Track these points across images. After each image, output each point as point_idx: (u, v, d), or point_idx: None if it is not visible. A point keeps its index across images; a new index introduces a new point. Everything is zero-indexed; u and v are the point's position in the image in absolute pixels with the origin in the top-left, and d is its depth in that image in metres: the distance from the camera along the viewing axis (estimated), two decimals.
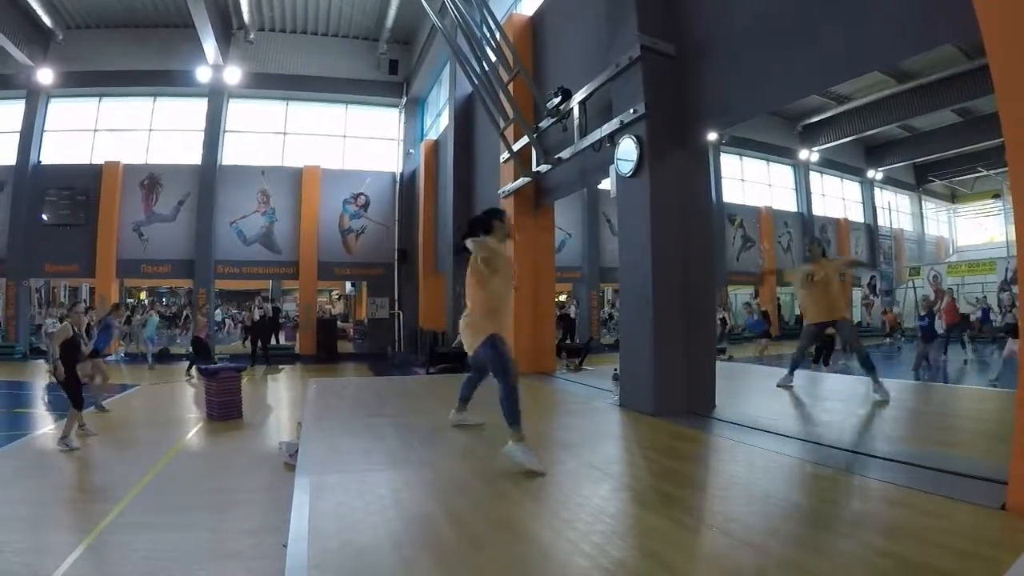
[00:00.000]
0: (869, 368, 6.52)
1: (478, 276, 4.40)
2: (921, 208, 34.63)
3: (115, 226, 20.02)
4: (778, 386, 7.25)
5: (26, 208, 19.68)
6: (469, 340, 4.45)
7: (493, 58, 9.12)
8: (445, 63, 17.65)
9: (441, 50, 17.12)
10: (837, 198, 30.86)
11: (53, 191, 19.93)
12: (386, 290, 22.02)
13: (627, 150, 6.25)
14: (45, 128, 20.64)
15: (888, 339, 22.76)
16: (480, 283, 4.41)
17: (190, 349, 16.11)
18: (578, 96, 7.57)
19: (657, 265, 5.90)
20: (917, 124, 26.42)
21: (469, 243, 4.40)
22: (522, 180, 9.38)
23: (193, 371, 14.65)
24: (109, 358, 12.02)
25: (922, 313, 12.43)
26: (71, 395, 8.01)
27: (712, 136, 6.43)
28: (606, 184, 6.97)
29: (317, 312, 21.88)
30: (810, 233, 26.71)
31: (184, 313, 24.69)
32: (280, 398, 13.48)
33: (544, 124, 8.58)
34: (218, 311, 25.06)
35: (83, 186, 19.95)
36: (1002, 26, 3.00)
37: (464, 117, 15.10)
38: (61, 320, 9.07)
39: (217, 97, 20.86)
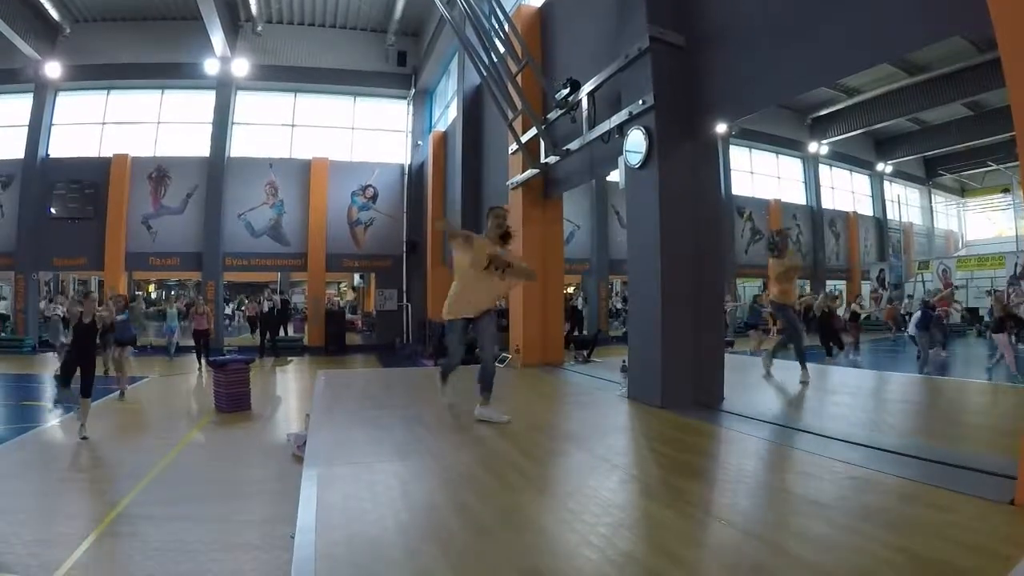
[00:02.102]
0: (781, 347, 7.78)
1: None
2: (931, 202, 34.47)
3: (123, 219, 20.12)
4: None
5: (34, 201, 19.79)
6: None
7: (502, 49, 9.08)
8: (454, 54, 17.61)
9: (450, 41, 17.08)
10: (846, 191, 30.73)
11: (61, 184, 20.02)
12: (394, 282, 22.08)
13: (636, 141, 6.22)
14: (53, 122, 20.72)
15: (889, 333, 22.57)
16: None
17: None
18: (587, 87, 7.53)
19: (666, 257, 5.87)
20: (927, 117, 26.28)
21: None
22: (530, 172, 9.36)
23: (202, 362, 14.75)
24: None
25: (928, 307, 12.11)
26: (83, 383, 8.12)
27: (721, 128, 6.38)
28: (615, 176, 6.95)
29: (326, 304, 21.91)
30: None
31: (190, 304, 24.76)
32: (288, 390, 13.54)
33: (553, 115, 8.54)
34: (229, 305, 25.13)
35: (91, 179, 20.02)
36: (1013, 18, 2.96)
37: (473, 108, 15.07)
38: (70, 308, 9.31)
39: (225, 89, 20.89)
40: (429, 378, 8.50)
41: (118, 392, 11.04)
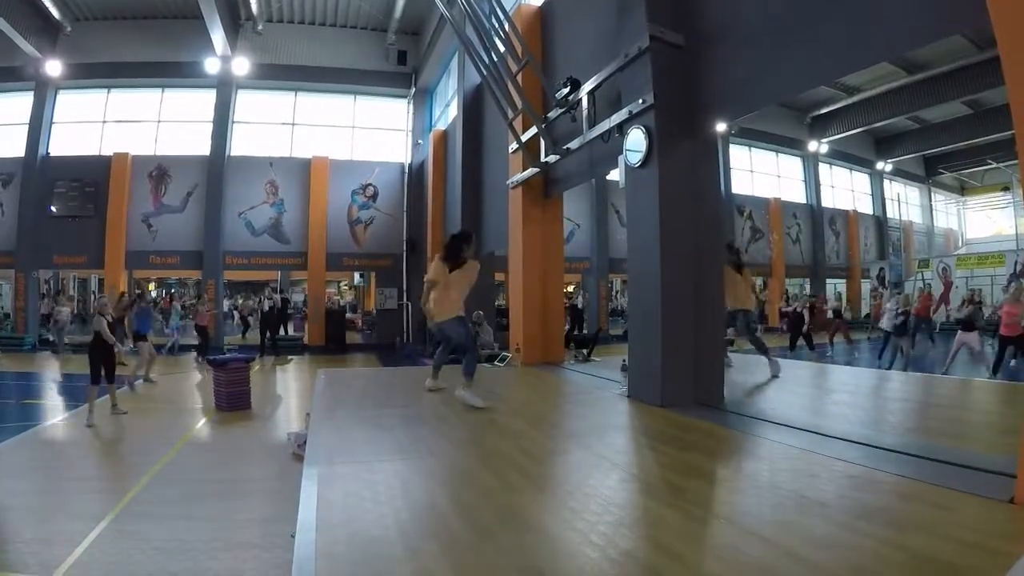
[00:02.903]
0: (761, 348, 7.81)
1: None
2: (930, 200, 34.44)
3: (124, 217, 20.13)
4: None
5: (35, 200, 19.80)
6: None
7: (502, 48, 9.07)
8: (454, 53, 17.60)
9: (450, 40, 17.08)
10: (846, 190, 30.74)
11: (62, 183, 20.02)
12: (395, 281, 22.07)
13: (636, 140, 6.22)
14: (54, 120, 20.73)
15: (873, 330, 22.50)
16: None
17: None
18: (587, 86, 7.53)
19: (666, 256, 5.87)
20: (927, 116, 26.26)
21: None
22: (531, 170, 9.35)
23: (200, 359, 15.24)
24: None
25: (899, 311, 12.42)
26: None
27: (721, 127, 6.38)
28: (615, 175, 6.94)
29: (326, 303, 21.92)
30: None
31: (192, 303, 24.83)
32: (289, 389, 13.54)
33: (553, 114, 8.54)
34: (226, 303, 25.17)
35: (92, 177, 20.03)
36: (1012, 16, 2.96)
37: (473, 107, 15.07)
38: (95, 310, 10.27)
39: (225, 88, 20.89)
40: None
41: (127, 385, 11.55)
